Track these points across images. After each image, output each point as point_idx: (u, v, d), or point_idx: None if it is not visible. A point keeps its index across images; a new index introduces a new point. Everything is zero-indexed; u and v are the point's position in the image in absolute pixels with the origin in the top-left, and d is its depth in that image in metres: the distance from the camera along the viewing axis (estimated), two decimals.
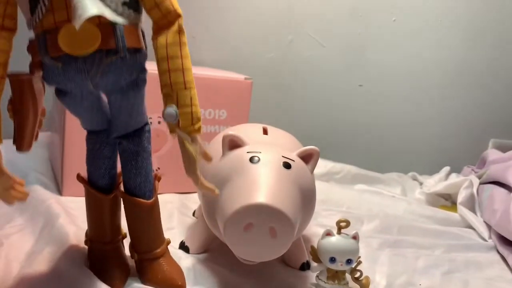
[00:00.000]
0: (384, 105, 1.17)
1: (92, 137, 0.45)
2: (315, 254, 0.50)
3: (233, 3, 1.03)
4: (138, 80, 0.40)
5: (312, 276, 0.53)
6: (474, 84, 1.19)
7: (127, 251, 0.50)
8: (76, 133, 0.62)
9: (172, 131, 0.39)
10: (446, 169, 1.12)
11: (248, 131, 0.54)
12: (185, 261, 0.53)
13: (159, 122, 0.73)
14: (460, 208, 0.85)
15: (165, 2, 0.37)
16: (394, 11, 1.11)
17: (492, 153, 1.03)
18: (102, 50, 0.35)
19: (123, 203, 0.48)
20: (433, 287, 0.58)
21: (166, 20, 0.37)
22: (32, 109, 0.38)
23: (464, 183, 0.91)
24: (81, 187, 0.47)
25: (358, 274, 0.51)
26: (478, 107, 1.21)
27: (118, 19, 0.35)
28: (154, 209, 0.48)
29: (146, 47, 0.40)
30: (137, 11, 0.37)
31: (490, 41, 1.17)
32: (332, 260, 0.49)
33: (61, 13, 0.34)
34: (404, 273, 0.59)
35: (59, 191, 0.70)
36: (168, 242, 0.50)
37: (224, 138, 0.48)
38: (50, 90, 0.40)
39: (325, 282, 0.50)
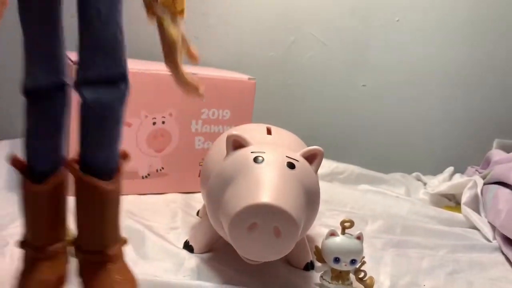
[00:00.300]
0: (388, 105, 1.16)
1: (37, 92, 0.37)
2: (319, 254, 0.50)
3: (236, 4, 1.03)
4: None
5: (316, 276, 0.53)
6: (478, 84, 1.19)
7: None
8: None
9: (149, 9, 0.36)
10: (450, 169, 1.11)
11: (252, 131, 0.54)
12: (189, 261, 0.53)
13: (163, 122, 0.73)
14: (464, 208, 0.85)
15: None
16: (397, 11, 1.11)
17: (496, 154, 1.02)
18: None
19: (75, 184, 0.39)
20: (437, 287, 0.58)
21: None
22: None
23: (468, 183, 0.91)
24: None
25: (362, 274, 0.51)
26: (482, 108, 1.20)
27: None
28: (113, 197, 0.40)
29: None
30: None
31: (494, 41, 1.17)
32: (336, 260, 0.49)
33: None
34: (408, 273, 0.59)
35: None
36: (124, 242, 0.42)
37: (228, 138, 0.48)
38: None
39: (329, 282, 0.50)
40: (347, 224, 0.49)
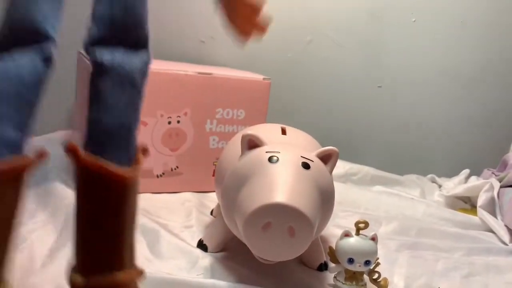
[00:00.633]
0: (403, 107, 1.16)
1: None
2: (333, 254, 0.50)
3: None
4: None
5: (329, 276, 0.53)
6: (495, 86, 1.17)
7: None
8: None
9: None
10: (466, 171, 1.10)
11: (267, 131, 0.54)
12: (203, 260, 0.54)
13: (178, 121, 0.73)
14: (480, 211, 0.84)
15: None
16: (413, 11, 1.10)
17: None
18: None
19: (78, 178, 0.30)
20: None
21: None
22: None
23: (484, 186, 0.90)
24: None
25: (376, 276, 0.50)
26: (499, 109, 1.19)
27: None
28: (131, 194, 0.31)
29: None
30: None
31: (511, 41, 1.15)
32: (350, 261, 0.48)
33: None
34: (423, 275, 0.59)
35: None
36: (140, 274, 0.32)
37: (243, 137, 0.48)
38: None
39: (343, 283, 0.50)
40: (361, 225, 0.49)
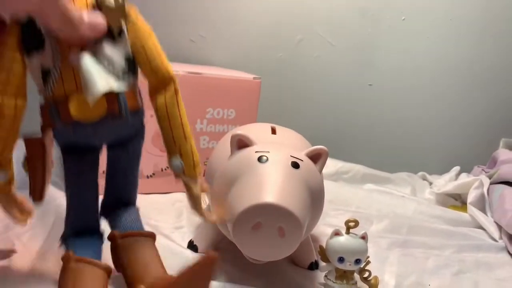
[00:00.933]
0: (394, 105, 1.16)
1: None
2: (324, 253, 0.50)
3: (243, 3, 1.03)
4: (138, 133, 0.45)
5: (320, 275, 0.53)
6: (484, 83, 1.18)
7: None
8: None
9: (177, 176, 0.44)
10: (456, 169, 1.11)
11: (257, 131, 0.54)
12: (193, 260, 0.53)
13: None
14: (470, 208, 0.85)
15: (161, 69, 0.41)
16: (403, 10, 1.11)
17: (503, 153, 1.02)
18: (108, 115, 0.39)
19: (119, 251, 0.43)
20: (443, 287, 0.57)
21: (162, 84, 0.42)
22: (43, 165, 0.41)
23: (474, 183, 0.90)
24: None
25: (366, 274, 0.51)
26: (489, 107, 1.20)
27: (121, 87, 0.39)
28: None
29: (142, 104, 0.43)
30: (135, 74, 0.41)
31: (501, 40, 1.16)
32: (341, 260, 0.48)
33: (70, 83, 0.37)
34: (413, 273, 0.59)
35: None
36: None
37: (232, 137, 0.48)
38: None
39: (333, 282, 0.50)
40: (351, 224, 0.49)
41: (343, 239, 0.49)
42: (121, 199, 0.46)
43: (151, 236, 0.42)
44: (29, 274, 0.44)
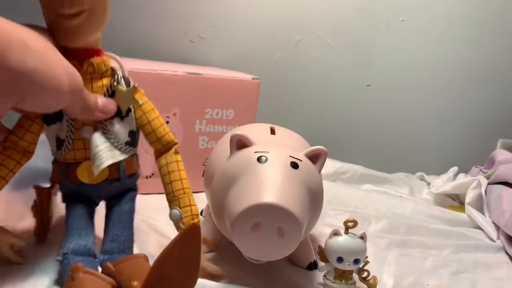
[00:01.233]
0: (392, 105, 1.16)
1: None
2: (323, 253, 0.50)
3: (241, 4, 1.03)
4: (132, 192, 0.50)
5: (319, 275, 0.54)
6: (482, 83, 1.19)
7: None
8: None
9: (178, 228, 0.48)
10: (454, 169, 1.11)
11: (256, 131, 0.54)
12: None
13: (167, 122, 0.73)
14: (468, 208, 0.85)
15: (164, 137, 0.48)
16: (402, 10, 1.11)
17: (501, 154, 1.02)
18: (108, 179, 0.46)
19: None
20: (441, 287, 0.58)
21: (165, 148, 0.48)
22: (48, 211, 0.50)
23: (472, 183, 0.91)
24: None
25: (365, 274, 0.51)
26: (487, 107, 1.20)
27: (122, 158, 0.45)
28: None
29: (139, 167, 0.50)
30: (136, 145, 0.48)
31: (499, 40, 1.16)
32: (340, 259, 0.49)
33: (80, 152, 0.44)
34: (411, 273, 0.59)
35: None
36: None
37: (232, 138, 0.48)
38: None
39: (332, 282, 0.50)
40: (350, 224, 0.49)
41: (342, 239, 0.49)
42: (118, 247, 0.48)
43: (143, 257, 0.43)
44: (29, 273, 0.44)
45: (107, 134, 0.44)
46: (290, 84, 1.10)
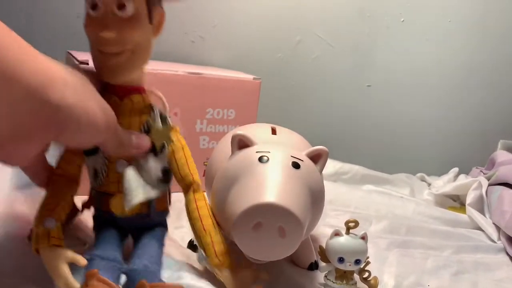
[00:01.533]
0: (392, 106, 1.16)
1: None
2: (324, 254, 0.50)
3: (242, 4, 1.03)
4: (162, 228, 0.50)
5: (320, 276, 0.53)
6: (483, 84, 1.19)
7: None
8: None
9: (208, 267, 0.47)
10: (455, 170, 1.11)
11: (257, 131, 0.54)
12: (193, 260, 0.53)
13: None
14: (469, 209, 0.85)
15: (188, 176, 0.48)
16: (402, 11, 1.11)
17: (501, 155, 1.02)
18: (138, 214, 0.46)
19: None
20: (442, 287, 0.58)
21: (188, 187, 0.49)
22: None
23: (473, 184, 0.91)
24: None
25: (366, 275, 0.51)
26: (487, 108, 1.20)
27: (153, 194, 0.45)
28: None
29: (170, 203, 0.50)
30: (168, 182, 0.48)
31: (499, 41, 1.16)
32: (341, 260, 0.49)
33: (114, 185, 0.45)
34: (412, 273, 0.59)
35: None
36: None
37: (233, 138, 0.48)
38: None
39: (333, 282, 0.50)
40: (351, 224, 0.49)
41: (343, 239, 0.49)
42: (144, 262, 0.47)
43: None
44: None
45: (140, 169, 0.45)
46: (290, 84, 1.10)
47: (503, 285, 0.61)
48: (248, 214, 0.41)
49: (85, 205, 0.49)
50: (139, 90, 0.45)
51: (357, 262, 0.49)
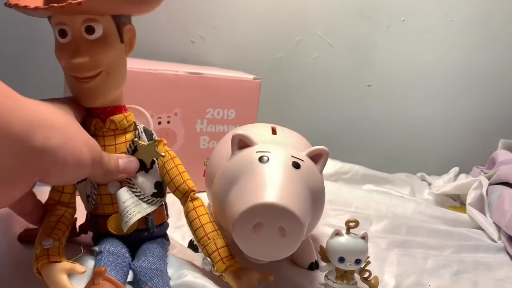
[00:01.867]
0: (393, 105, 1.16)
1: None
2: (324, 253, 0.50)
3: (242, 4, 1.03)
4: (162, 242, 0.50)
5: (320, 275, 0.53)
6: (483, 84, 1.19)
7: None
8: None
9: (216, 273, 0.46)
10: (455, 169, 1.11)
11: (257, 131, 0.54)
12: (194, 258, 0.53)
13: (168, 122, 0.73)
14: (469, 208, 0.85)
15: (182, 185, 0.48)
16: (403, 11, 1.11)
17: (502, 154, 1.02)
18: (137, 230, 0.46)
19: None
20: (442, 287, 0.57)
21: (185, 197, 0.48)
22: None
23: (473, 183, 0.91)
24: None
25: (367, 274, 0.51)
26: (488, 108, 1.20)
27: (149, 210, 0.46)
28: None
29: (168, 216, 0.50)
30: (163, 196, 0.48)
31: (499, 41, 1.16)
32: (341, 260, 0.49)
33: (109, 207, 0.45)
34: (413, 273, 0.59)
35: None
36: None
37: (233, 137, 0.48)
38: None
39: (333, 282, 0.50)
40: (352, 224, 0.49)
41: (344, 239, 0.49)
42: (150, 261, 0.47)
43: None
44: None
45: (133, 188, 0.45)
46: (290, 84, 1.10)
47: (503, 285, 0.61)
48: (248, 214, 0.41)
49: (83, 230, 0.49)
50: (120, 109, 0.45)
51: (358, 261, 0.49)
